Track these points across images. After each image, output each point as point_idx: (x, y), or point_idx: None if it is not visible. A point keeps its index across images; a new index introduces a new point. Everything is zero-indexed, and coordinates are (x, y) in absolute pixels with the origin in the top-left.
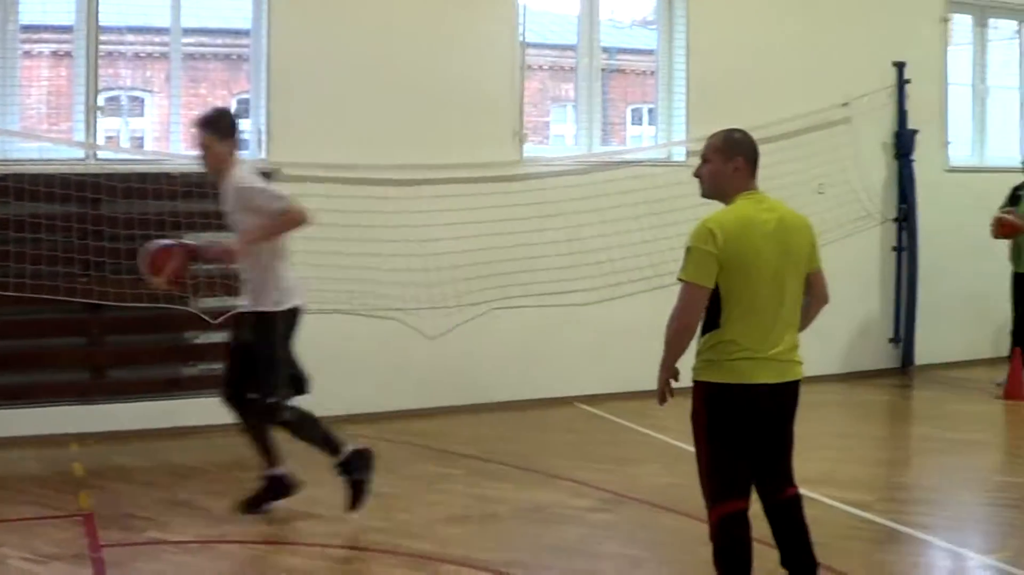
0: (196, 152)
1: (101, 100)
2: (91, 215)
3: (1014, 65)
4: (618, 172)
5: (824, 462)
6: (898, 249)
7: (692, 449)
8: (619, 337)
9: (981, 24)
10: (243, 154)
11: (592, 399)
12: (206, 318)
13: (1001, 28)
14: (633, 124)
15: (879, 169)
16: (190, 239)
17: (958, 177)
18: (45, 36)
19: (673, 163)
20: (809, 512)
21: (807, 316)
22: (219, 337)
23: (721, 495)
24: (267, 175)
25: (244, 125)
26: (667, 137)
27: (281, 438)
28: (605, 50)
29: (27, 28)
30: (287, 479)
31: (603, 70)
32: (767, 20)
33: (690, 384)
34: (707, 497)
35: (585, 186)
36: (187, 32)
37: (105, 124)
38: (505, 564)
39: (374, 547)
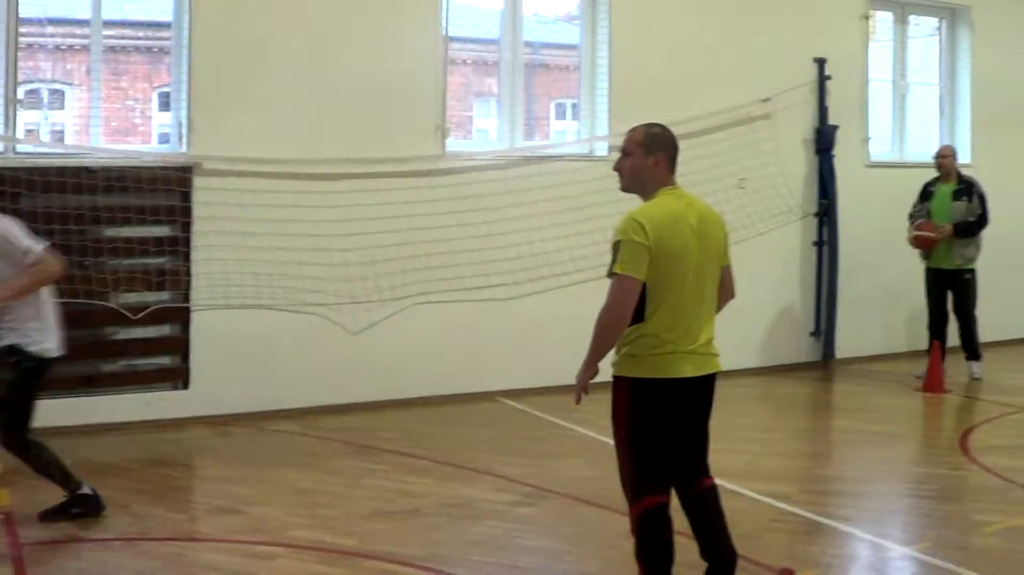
0: None
1: (21, 93)
2: (10, 209)
3: (934, 62)
4: (541, 167)
5: (746, 455)
6: (818, 243)
7: (613, 443)
8: (541, 332)
9: (901, 21)
10: (165, 148)
11: (514, 393)
12: (126, 314)
13: (922, 25)
14: (557, 119)
15: (800, 164)
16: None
17: (878, 172)
18: None
19: (595, 158)
20: (731, 505)
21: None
22: (139, 333)
23: (643, 489)
24: (188, 169)
25: (165, 119)
26: (590, 132)
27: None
28: (529, 45)
29: None
30: (93, 498)
31: (527, 65)
32: (689, 16)
33: (609, 379)
34: (628, 491)
35: (508, 181)
36: (108, 24)
37: (25, 117)
38: (428, 559)
39: (297, 543)
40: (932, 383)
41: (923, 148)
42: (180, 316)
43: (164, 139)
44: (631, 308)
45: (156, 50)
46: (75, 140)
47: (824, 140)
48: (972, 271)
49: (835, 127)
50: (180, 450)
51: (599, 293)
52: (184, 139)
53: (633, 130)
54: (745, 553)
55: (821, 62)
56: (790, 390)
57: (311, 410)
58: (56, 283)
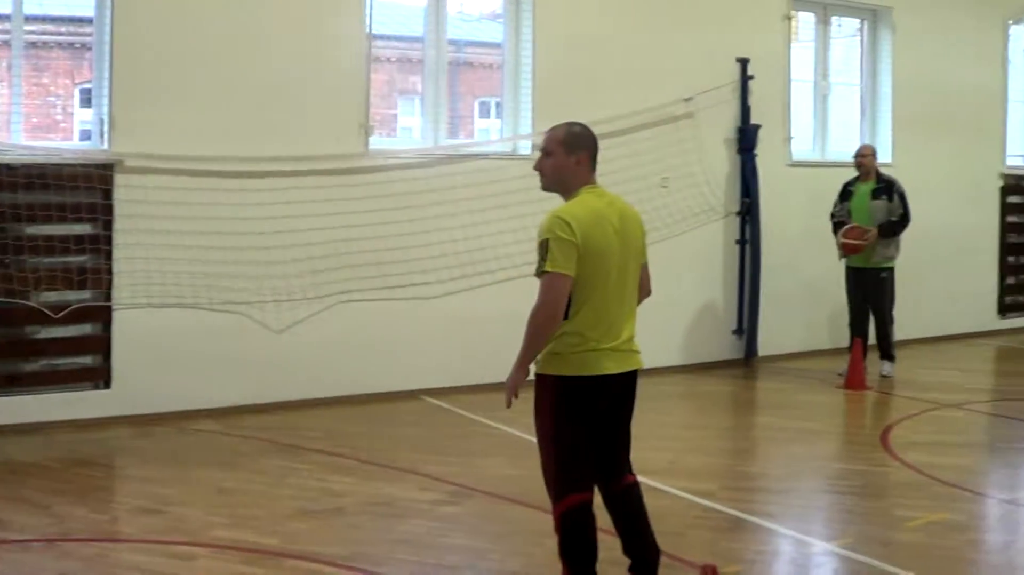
0: None
1: None
2: None
3: (855, 62)
4: (465, 165)
5: (668, 452)
6: (741, 242)
7: (536, 441)
8: (465, 330)
9: (824, 22)
10: (86, 145)
11: (438, 392)
12: (47, 312)
13: (844, 26)
14: (481, 117)
15: (722, 163)
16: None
17: (800, 172)
18: None
19: (519, 156)
20: (654, 502)
21: None
22: (60, 332)
23: (566, 487)
24: (110, 167)
25: (87, 115)
26: (513, 131)
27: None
28: (453, 43)
29: None
30: None
31: (451, 63)
32: (613, 15)
33: (532, 378)
34: (552, 489)
35: (431, 179)
36: (29, 20)
37: None
38: (351, 558)
39: (219, 543)
40: (853, 380)
41: (844, 148)
42: (102, 315)
43: (86, 136)
44: (564, 305)
45: (78, 46)
46: None
47: (746, 139)
48: (890, 270)
49: (757, 126)
50: (102, 450)
51: (524, 291)
52: (106, 136)
53: (554, 129)
54: (668, 550)
55: (744, 62)
56: (713, 388)
57: (233, 409)
58: None
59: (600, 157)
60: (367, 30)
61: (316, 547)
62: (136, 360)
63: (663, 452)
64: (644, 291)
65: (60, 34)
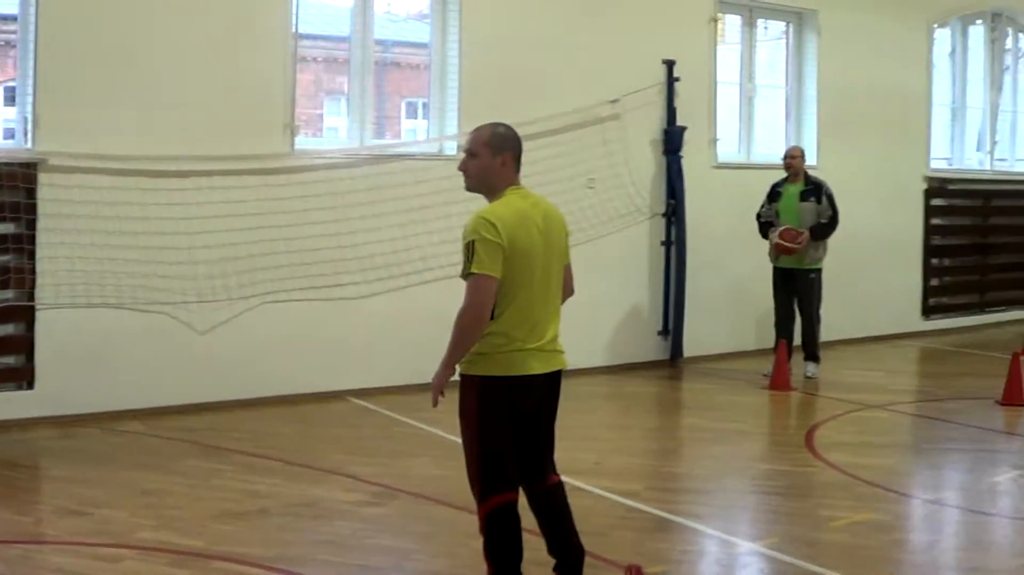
0: None
1: None
2: None
3: (781, 65)
4: (391, 166)
5: (594, 453)
6: (666, 243)
7: (461, 442)
8: (391, 331)
9: (750, 24)
10: (10, 144)
11: (364, 393)
12: None
13: (770, 29)
14: (408, 117)
15: (648, 165)
16: None
17: (725, 173)
18: None
19: (445, 157)
20: (579, 502)
21: None
22: None
23: (492, 488)
24: (33, 166)
25: (10, 114)
26: (439, 131)
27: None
28: (380, 43)
29: None
30: None
31: (377, 63)
32: (539, 16)
33: (457, 378)
34: (477, 490)
35: (357, 179)
36: None
37: None
38: (276, 559)
39: (144, 545)
40: (778, 381)
41: (770, 150)
42: (25, 315)
43: (9, 134)
44: (490, 307)
45: (2, 44)
46: None
47: (672, 141)
48: (818, 271)
49: (683, 128)
50: (25, 451)
51: (450, 292)
52: (30, 135)
53: (478, 130)
54: (593, 550)
55: (670, 64)
56: (638, 388)
57: (158, 410)
58: None
59: (526, 158)
60: (293, 29)
61: (241, 548)
62: (60, 360)
63: (588, 453)
64: (567, 291)
65: None
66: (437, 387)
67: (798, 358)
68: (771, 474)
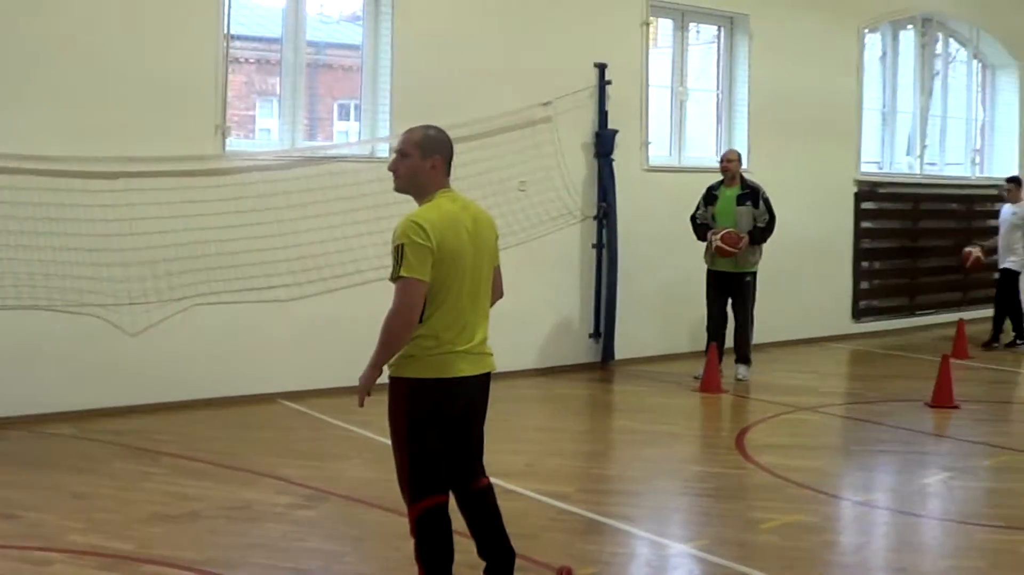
0: None
1: None
2: None
3: (713, 69)
4: (322, 167)
5: (524, 455)
6: (598, 246)
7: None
8: (322, 333)
9: (682, 28)
10: None
11: (295, 395)
12: None
13: (702, 33)
14: (340, 119)
15: (580, 168)
16: None
17: (657, 176)
18: None
19: (377, 159)
20: (509, 504)
21: None
22: None
23: (422, 490)
24: None
25: None
26: (371, 133)
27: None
28: (312, 44)
29: None
30: None
31: (310, 65)
32: (472, 19)
33: (386, 380)
34: (407, 493)
35: (289, 181)
36: None
37: None
38: (207, 562)
39: (73, 548)
40: (709, 383)
41: (701, 153)
42: None
43: None
44: (419, 311)
45: None
46: None
47: (604, 144)
48: (753, 274)
49: (615, 131)
50: None
51: (381, 294)
52: None
53: (410, 131)
54: (523, 552)
55: (602, 67)
56: (569, 391)
57: (87, 413)
58: None
59: (458, 160)
60: (224, 30)
61: (172, 551)
62: None
63: (519, 455)
64: (496, 293)
65: None
66: (364, 387)
67: (729, 360)
68: (702, 476)
